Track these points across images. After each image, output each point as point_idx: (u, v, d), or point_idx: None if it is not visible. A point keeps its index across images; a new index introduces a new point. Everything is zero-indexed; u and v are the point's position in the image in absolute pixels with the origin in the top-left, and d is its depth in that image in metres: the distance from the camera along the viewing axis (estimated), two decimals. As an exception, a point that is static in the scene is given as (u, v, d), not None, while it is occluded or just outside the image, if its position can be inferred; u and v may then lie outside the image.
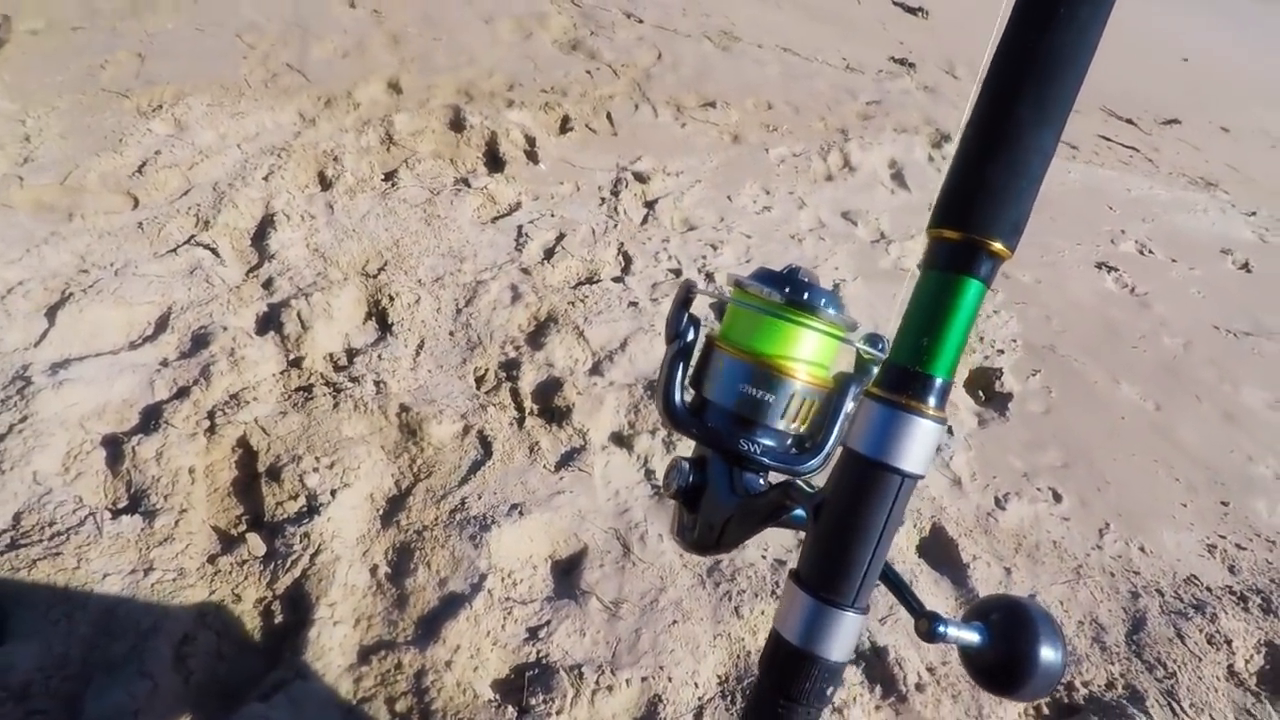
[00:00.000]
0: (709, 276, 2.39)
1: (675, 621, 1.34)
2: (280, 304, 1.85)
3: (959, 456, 1.91)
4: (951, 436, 1.97)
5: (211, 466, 1.45)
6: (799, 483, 0.55)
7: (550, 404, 1.77)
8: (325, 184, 2.38)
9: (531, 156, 2.80)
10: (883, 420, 0.45)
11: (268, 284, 1.91)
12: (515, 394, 1.78)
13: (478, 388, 1.79)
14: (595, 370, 1.90)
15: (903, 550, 1.62)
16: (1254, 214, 4.05)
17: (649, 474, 1.66)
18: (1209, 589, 1.69)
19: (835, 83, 4.12)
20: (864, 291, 2.53)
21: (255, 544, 1.33)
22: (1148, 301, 2.96)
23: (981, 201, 0.44)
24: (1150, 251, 3.39)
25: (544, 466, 1.60)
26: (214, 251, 1.97)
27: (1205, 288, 3.19)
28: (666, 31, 4.09)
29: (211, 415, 1.52)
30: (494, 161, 2.74)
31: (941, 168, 3.65)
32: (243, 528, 1.38)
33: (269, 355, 1.70)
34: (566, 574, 1.43)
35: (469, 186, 2.49)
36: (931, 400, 0.45)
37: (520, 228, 2.39)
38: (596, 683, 1.22)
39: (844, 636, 0.47)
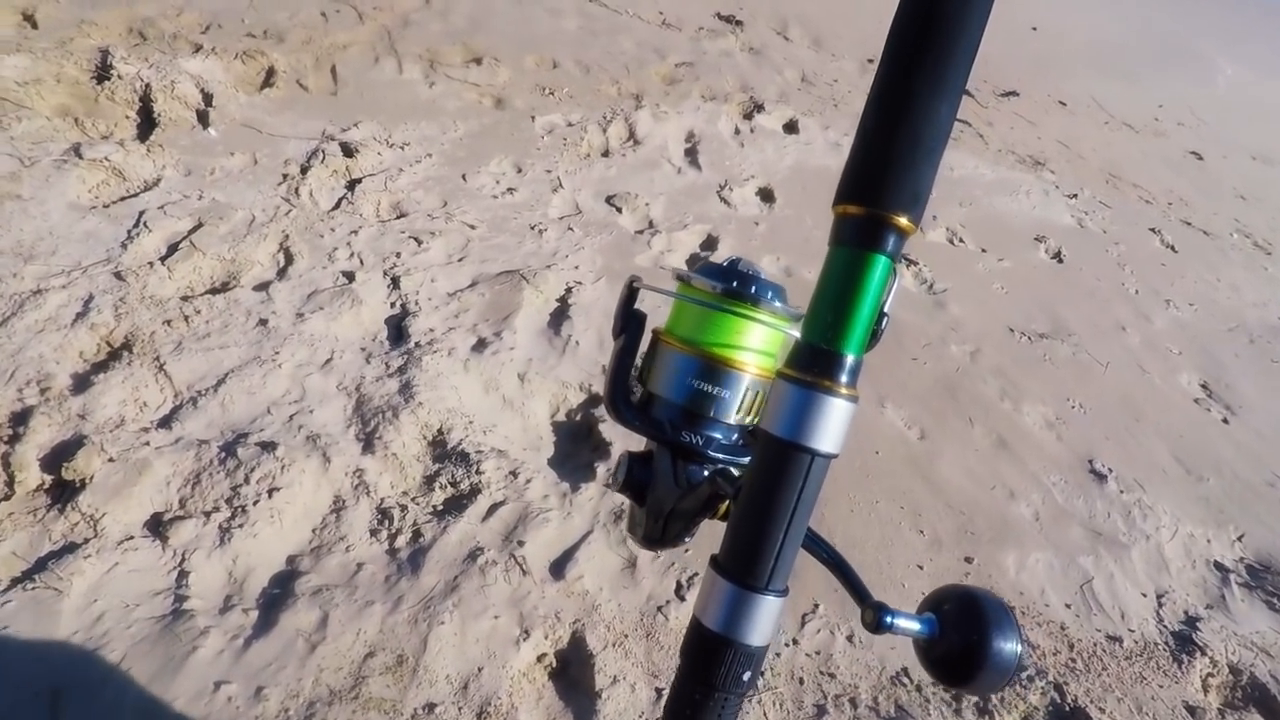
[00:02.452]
0: (394, 281, 1.91)
1: None
2: None
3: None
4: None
5: None
6: (731, 470, 0.57)
7: (59, 475, 1.27)
8: None
9: (203, 119, 2.21)
10: (794, 400, 0.45)
11: None
12: (5, 460, 1.26)
13: (-47, 458, 1.26)
14: (164, 422, 1.40)
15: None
16: (1075, 196, 3.89)
17: (182, 577, 1.19)
18: (919, 688, 1.38)
19: (643, 40, 3.65)
20: (604, 296, 2.12)
21: None
22: (944, 300, 2.68)
23: (882, 176, 0.44)
24: (960, 240, 3.13)
25: (-4, 586, 1.11)
26: None
27: (1010, 282, 2.96)
28: (448, -30, 3.50)
29: None
30: (148, 124, 2.14)
31: (747, 142, 3.27)
32: None
33: None
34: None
35: (80, 158, 1.90)
36: (843, 378, 0.44)
37: (142, 214, 1.83)
38: None
39: (761, 620, 0.47)
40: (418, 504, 1.44)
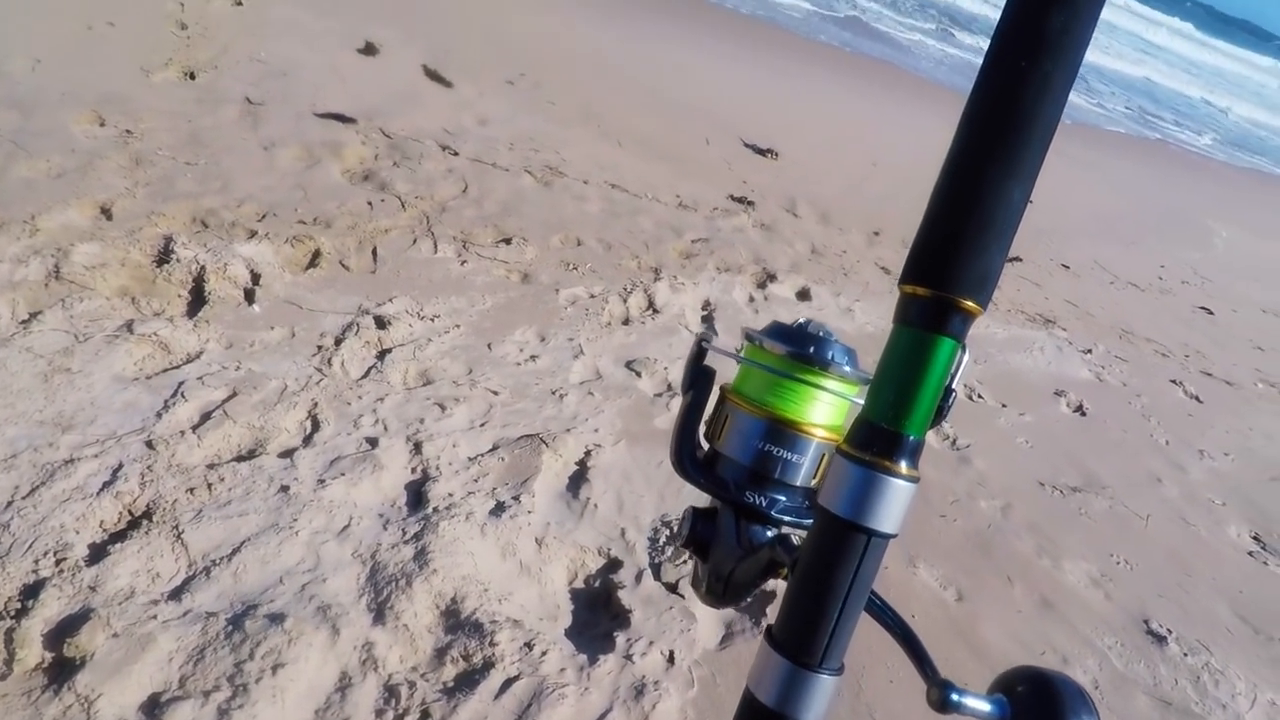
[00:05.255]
0: (417, 446, 1.94)
1: None
2: None
3: (666, 705, 1.42)
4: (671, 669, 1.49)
5: None
6: (791, 536, 0.56)
7: (61, 652, 1.23)
8: (-77, 333, 1.88)
9: (249, 296, 2.37)
10: (855, 479, 0.44)
11: None
12: (8, 636, 1.23)
13: (-38, 631, 1.24)
14: (175, 594, 1.39)
15: None
16: (1089, 351, 3.92)
17: (177, 766, 1.12)
18: None
19: (662, 220, 3.91)
20: (623, 459, 2.12)
21: None
22: (968, 456, 2.64)
23: (950, 258, 0.43)
24: (980, 396, 3.14)
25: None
26: None
27: (1035, 436, 2.92)
28: (483, 165, 3.85)
29: None
30: (198, 301, 2.30)
31: (762, 308, 3.40)
32: None
33: None
34: None
35: (131, 333, 2.02)
36: (904, 460, 0.44)
37: (180, 384, 1.91)
38: None
39: (814, 699, 0.46)
40: (427, 680, 1.37)
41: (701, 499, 0.62)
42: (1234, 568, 2.44)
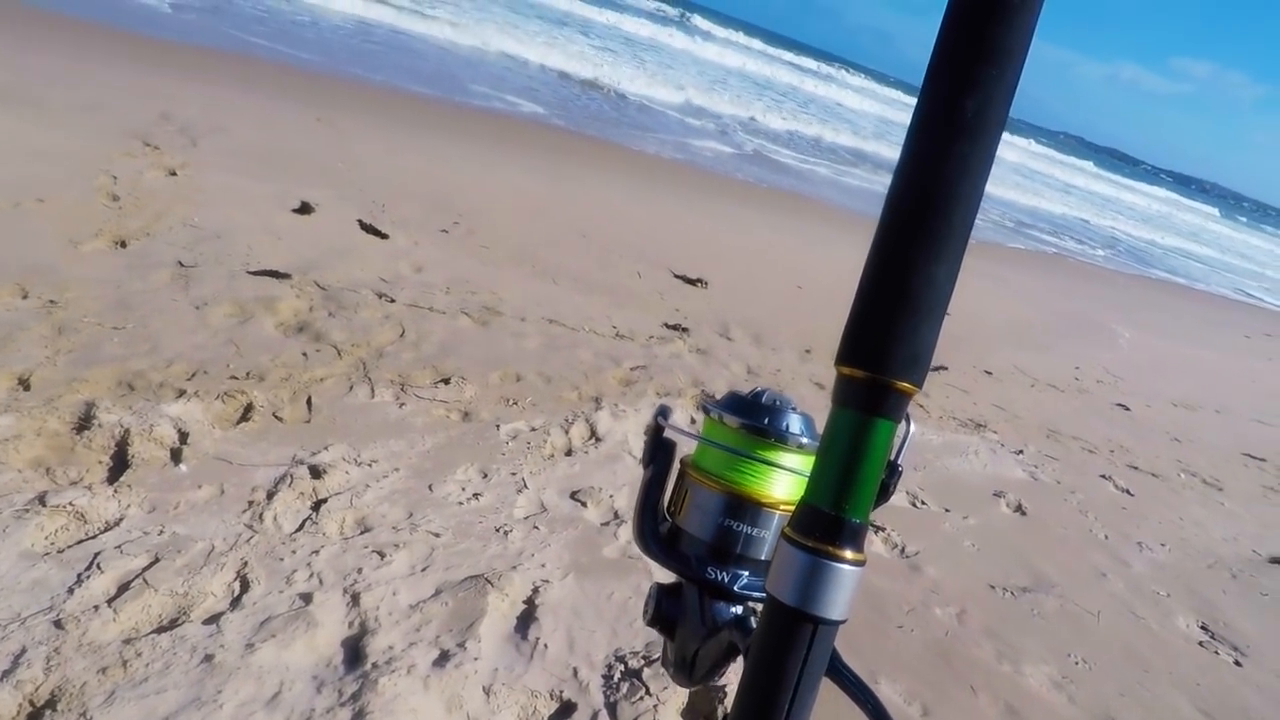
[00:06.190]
0: (354, 599, 1.85)
1: None
2: None
3: None
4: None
5: None
6: (752, 618, 0.56)
7: None
8: None
9: (175, 456, 2.29)
10: (800, 567, 0.44)
11: None
12: None
13: None
14: (79, 787, 1.25)
15: None
16: (1021, 451, 4.06)
17: None
18: None
19: (600, 351, 4.01)
20: (572, 593, 2.06)
21: None
22: (918, 563, 2.65)
23: (881, 340, 0.43)
24: (923, 503, 3.19)
25: None
26: None
27: (980, 538, 2.96)
28: (419, 309, 3.92)
29: None
30: (120, 466, 2.21)
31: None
32: None
33: None
34: None
35: (43, 505, 1.92)
36: (848, 546, 0.44)
37: (96, 555, 1.81)
38: None
39: None
40: None
41: (668, 576, 0.61)
42: (1188, 660, 2.46)
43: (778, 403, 0.59)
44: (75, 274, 3.28)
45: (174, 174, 4.76)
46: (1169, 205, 42.23)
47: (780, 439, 0.58)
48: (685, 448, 0.64)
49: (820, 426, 0.50)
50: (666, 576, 0.61)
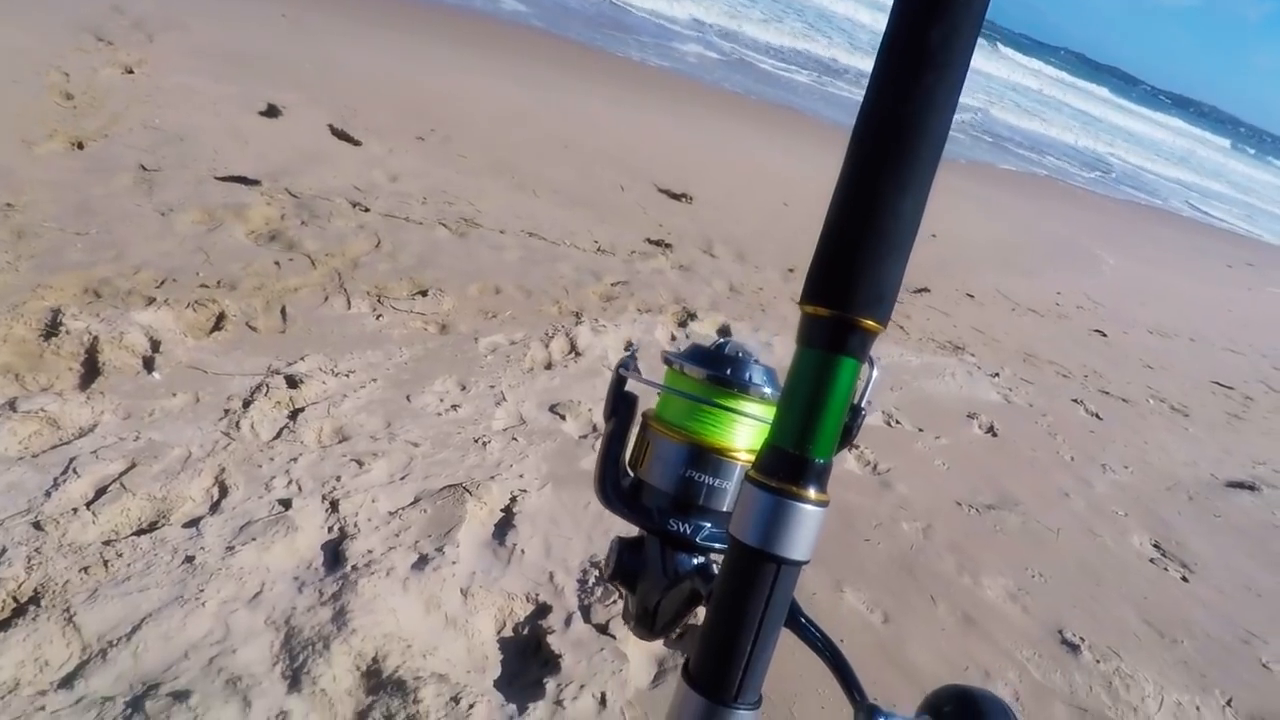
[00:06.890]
0: (333, 505, 1.88)
1: None
2: None
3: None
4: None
5: None
6: (713, 566, 0.56)
7: (-70, 760, 1.13)
8: None
9: (148, 364, 2.27)
10: (763, 507, 0.44)
11: None
12: None
13: None
14: (66, 681, 1.29)
15: None
16: (997, 375, 4.13)
17: None
18: None
19: (581, 265, 3.96)
20: (550, 502, 2.10)
21: None
22: (889, 480, 2.72)
23: (846, 277, 0.42)
24: (898, 422, 3.25)
25: None
26: None
27: (951, 458, 3.04)
28: (395, 219, 3.83)
29: None
30: (91, 373, 2.18)
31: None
32: None
33: None
34: None
35: (14, 411, 1.90)
36: (812, 485, 0.43)
37: (72, 460, 1.80)
38: None
39: None
40: (347, 748, 1.31)
41: (630, 530, 0.61)
42: (1138, 575, 2.57)
43: (740, 354, 0.59)
44: (31, 176, 3.15)
45: (130, 72, 4.52)
46: (1186, 139, 41.80)
47: (743, 389, 0.57)
48: (647, 402, 0.63)
49: (782, 379, 0.50)
50: (628, 530, 0.61)
